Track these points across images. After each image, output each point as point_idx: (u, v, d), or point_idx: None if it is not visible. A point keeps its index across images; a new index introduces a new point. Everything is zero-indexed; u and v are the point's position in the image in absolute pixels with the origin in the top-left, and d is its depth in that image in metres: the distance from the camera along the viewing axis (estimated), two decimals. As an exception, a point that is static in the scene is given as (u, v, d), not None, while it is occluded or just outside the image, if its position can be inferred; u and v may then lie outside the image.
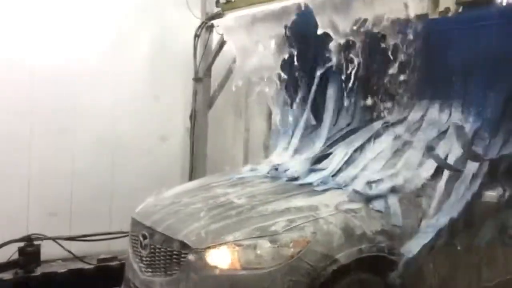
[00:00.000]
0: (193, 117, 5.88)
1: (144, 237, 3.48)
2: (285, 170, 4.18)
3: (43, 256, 5.02)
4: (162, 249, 3.34)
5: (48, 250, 5.08)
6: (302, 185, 3.85)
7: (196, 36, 5.86)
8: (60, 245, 5.19)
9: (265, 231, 3.17)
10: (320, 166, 4.12)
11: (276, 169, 4.24)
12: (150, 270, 3.41)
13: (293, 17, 4.58)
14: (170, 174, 5.69)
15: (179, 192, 3.96)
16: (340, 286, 3.21)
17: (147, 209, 3.79)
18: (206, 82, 5.92)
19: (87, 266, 5.09)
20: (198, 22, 5.85)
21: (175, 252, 3.27)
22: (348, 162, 4.04)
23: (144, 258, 3.46)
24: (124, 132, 5.62)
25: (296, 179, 3.98)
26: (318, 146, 4.35)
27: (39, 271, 4.95)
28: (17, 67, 5.05)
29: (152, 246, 3.42)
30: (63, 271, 5.06)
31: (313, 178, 3.91)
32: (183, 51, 5.89)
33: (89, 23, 5.43)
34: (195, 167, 5.80)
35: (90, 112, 5.44)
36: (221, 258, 3.15)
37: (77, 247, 5.22)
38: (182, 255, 3.23)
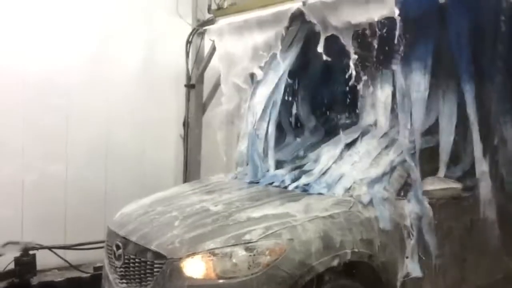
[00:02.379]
0: (186, 123, 5.85)
1: (118, 247, 3.43)
2: (266, 175, 4.11)
3: (38, 266, 5.05)
4: (136, 260, 3.29)
5: (43, 259, 5.10)
6: (280, 191, 3.78)
7: (188, 42, 5.85)
8: (56, 254, 5.20)
9: (241, 239, 3.11)
10: (304, 169, 4.05)
11: (256, 174, 4.16)
12: (124, 281, 3.36)
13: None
14: (164, 180, 5.66)
15: (155, 200, 3.90)
16: (319, 293, 3.15)
17: (122, 218, 3.74)
18: (199, 88, 5.90)
19: (84, 275, 5.08)
20: (189, 29, 5.84)
21: (149, 262, 3.22)
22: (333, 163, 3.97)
23: (118, 269, 3.41)
24: (116, 139, 5.63)
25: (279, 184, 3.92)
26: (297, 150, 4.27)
27: (35, 280, 4.97)
28: (8, 73, 5.09)
29: (126, 257, 3.37)
30: (60, 280, 5.06)
31: (296, 182, 3.84)
32: (175, 57, 5.88)
33: (80, 30, 5.46)
34: (189, 173, 5.76)
35: (82, 118, 5.45)
36: (196, 268, 3.10)
37: (72, 256, 5.23)
38: (156, 265, 3.17)
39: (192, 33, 5.81)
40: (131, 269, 3.32)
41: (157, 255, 3.18)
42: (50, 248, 5.21)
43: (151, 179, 5.63)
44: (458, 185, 3.60)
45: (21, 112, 5.13)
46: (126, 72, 5.71)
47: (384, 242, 3.37)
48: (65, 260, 5.20)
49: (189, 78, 5.87)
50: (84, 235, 5.16)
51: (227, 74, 4.76)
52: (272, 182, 3.96)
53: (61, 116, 5.34)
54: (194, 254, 3.10)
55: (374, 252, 3.32)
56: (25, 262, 4.99)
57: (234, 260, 3.06)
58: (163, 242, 3.21)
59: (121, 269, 3.39)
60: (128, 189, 5.47)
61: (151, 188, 4.97)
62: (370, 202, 3.45)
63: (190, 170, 5.81)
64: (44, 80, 5.22)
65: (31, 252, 5.04)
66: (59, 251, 5.21)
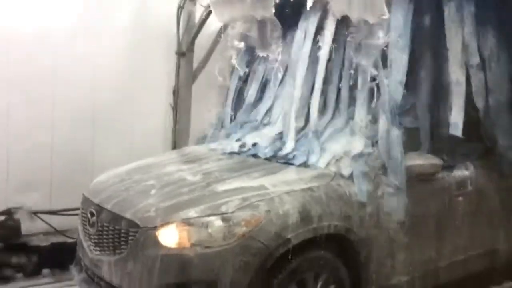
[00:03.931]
0: (176, 92, 5.74)
1: (92, 214, 3.40)
2: (254, 145, 4.04)
3: (23, 230, 5.05)
4: (110, 227, 3.26)
5: (28, 224, 5.10)
6: (260, 162, 3.73)
7: (180, 8, 5.68)
8: (41, 219, 5.21)
9: (217, 209, 3.08)
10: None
11: (243, 145, 4.09)
12: (98, 248, 3.33)
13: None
14: (152, 149, 5.52)
15: (132, 169, 3.85)
16: (293, 265, 3.13)
17: (97, 185, 3.71)
18: (190, 56, 5.75)
19: (69, 240, 5.07)
20: (181, -6, 5.69)
21: (123, 231, 3.19)
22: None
23: (92, 237, 3.39)
24: (104, 104, 5.50)
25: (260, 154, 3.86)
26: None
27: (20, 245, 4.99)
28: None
29: (100, 224, 3.33)
30: (46, 245, 5.09)
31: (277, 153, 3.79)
32: (166, 24, 5.72)
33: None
34: (178, 142, 5.68)
35: (69, 84, 5.32)
36: (170, 237, 3.06)
37: (57, 221, 5.22)
38: (131, 234, 3.14)
39: (183, -1, 5.65)
40: (105, 237, 3.28)
41: (131, 224, 3.14)
42: (35, 213, 5.22)
43: (139, 147, 5.52)
44: (438, 161, 3.54)
45: (6, 76, 5.01)
46: (115, 38, 5.56)
47: (362, 217, 3.33)
48: (50, 225, 5.20)
49: (179, 45, 5.73)
50: (70, 201, 5.10)
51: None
52: (255, 154, 3.89)
53: (47, 81, 5.22)
54: (169, 223, 3.06)
55: (352, 226, 3.29)
56: (10, 226, 5.02)
57: (209, 230, 3.03)
58: (138, 210, 3.18)
59: (95, 236, 3.36)
60: (115, 156, 5.35)
61: (139, 156, 4.87)
62: (351, 176, 3.39)
63: (179, 139, 5.71)
64: (30, 44, 5.09)
65: (16, 216, 5.06)
66: (44, 216, 5.23)
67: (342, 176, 3.42)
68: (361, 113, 3.66)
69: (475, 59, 3.74)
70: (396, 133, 3.46)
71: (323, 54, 3.90)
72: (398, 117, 3.51)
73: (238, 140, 4.20)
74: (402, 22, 3.56)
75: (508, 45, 3.95)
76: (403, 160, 3.43)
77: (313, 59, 3.96)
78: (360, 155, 3.49)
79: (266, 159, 3.79)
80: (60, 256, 4.95)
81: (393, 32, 3.57)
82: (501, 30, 3.90)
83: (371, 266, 3.39)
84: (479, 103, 3.81)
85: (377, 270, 3.42)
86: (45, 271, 4.97)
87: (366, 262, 3.37)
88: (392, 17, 3.56)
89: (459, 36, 3.68)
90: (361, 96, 3.66)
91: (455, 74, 3.67)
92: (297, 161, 3.62)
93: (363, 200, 3.36)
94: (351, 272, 3.33)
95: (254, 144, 4.02)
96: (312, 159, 3.60)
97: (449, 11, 3.67)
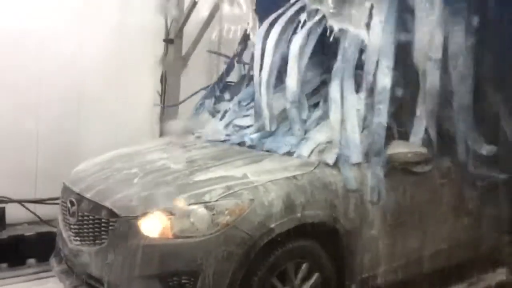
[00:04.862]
0: (164, 80, 5.67)
1: (72, 204, 3.33)
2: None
3: (7, 220, 4.98)
4: (90, 217, 3.19)
5: (13, 213, 5.02)
6: (244, 150, 3.67)
7: (168, -6, 5.61)
8: (26, 208, 5.14)
9: (200, 198, 3.01)
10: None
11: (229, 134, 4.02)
12: (78, 238, 3.26)
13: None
14: (139, 138, 5.45)
15: (114, 157, 3.78)
16: (278, 254, 3.09)
17: (78, 174, 3.64)
18: (178, 44, 5.68)
19: (54, 229, 4.97)
20: (169, -20, 5.61)
21: (104, 220, 3.12)
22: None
23: (72, 226, 3.32)
24: (90, 92, 5.43)
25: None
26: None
27: (5, 234, 4.92)
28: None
29: (80, 214, 3.26)
30: (31, 234, 5.02)
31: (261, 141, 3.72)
32: (153, 10, 5.63)
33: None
34: (165, 132, 5.60)
35: (55, 71, 5.24)
36: (152, 227, 3.00)
37: (43, 210, 5.15)
38: (111, 223, 3.08)
39: (171, -15, 5.57)
40: (85, 227, 3.22)
41: (112, 213, 3.08)
42: (20, 202, 5.14)
43: (125, 136, 5.42)
44: (423, 150, 3.48)
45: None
46: (101, 25, 5.47)
47: (347, 205, 3.28)
48: (36, 215, 5.14)
49: (167, 32, 5.66)
50: (55, 190, 4.97)
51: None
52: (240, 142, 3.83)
53: (33, 68, 5.13)
54: (150, 212, 2.99)
55: (336, 214, 3.24)
56: (-6, 216, 4.95)
57: (192, 220, 2.97)
58: (119, 199, 3.11)
59: (75, 226, 3.29)
60: (101, 145, 5.21)
61: (125, 144, 4.82)
62: (335, 164, 3.34)
63: (166, 127, 5.64)
64: (15, 31, 5.00)
65: (0, 205, 4.98)
66: (29, 205, 5.16)
67: (326, 164, 3.36)
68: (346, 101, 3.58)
69: (437, 53, 3.51)
70: (380, 120, 3.40)
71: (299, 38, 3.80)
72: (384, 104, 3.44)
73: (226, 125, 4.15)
74: (387, 6, 3.47)
75: (481, 46, 3.68)
76: (384, 148, 3.39)
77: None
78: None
79: (250, 147, 3.73)
80: (45, 246, 4.88)
81: (378, 17, 3.49)
82: (474, 26, 3.63)
83: (356, 255, 3.35)
84: (428, 103, 3.55)
85: (362, 259, 3.38)
86: (30, 261, 4.90)
87: (351, 251, 3.32)
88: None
89: (427, 26, 3.49)
90: (347, 84, 3.58)
91: (420, 67, 3.54)
92: (280, 150, 3.56)
93: (352, 188, 3.31)
94: (335, 261, 3.29)
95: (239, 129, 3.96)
96: (296, 148, 3.54)
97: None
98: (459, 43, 3.57)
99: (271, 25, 4.04)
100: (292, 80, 3.71)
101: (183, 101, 5.38)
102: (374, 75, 3.48)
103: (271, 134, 3.76)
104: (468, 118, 3.68)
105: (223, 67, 5.19)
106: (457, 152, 3.72)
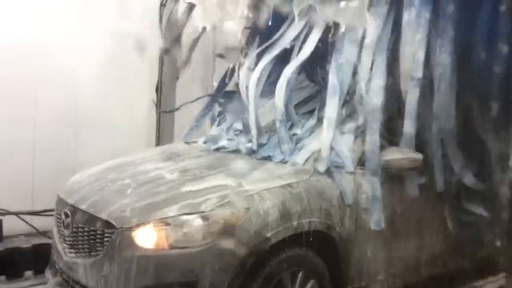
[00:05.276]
0: (159, 89, 5.66)
1: (67, 215, 3.30)
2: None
3: (4, 231, 4.95)
4: (85, 229, 3.16)
5: (9, 225, 4.99)
6: (239, 158, 3.66)
7: (162, 5, 5.59)
8: (23, 220, 5.11)
9: (195, 208, 2.98)
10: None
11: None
12: (73, 251, 3.24)
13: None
14: (135, 147, 5.44)
15: (108, 168, 3.76)
16: (273, 264, 3.06)
17: (72, 185, 3.61)
18: (173, 53, 5.66)
19: (51, 241, 4.96)
20: (163, -9, 5.61)
21: (98, 232, 3.09)
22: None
23: (67, 238, 3.29)
24: (86, 104, 5.41)
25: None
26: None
27: (2, 246, 4.89)
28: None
29: (74, 225, 3.23)
30: (27, 246, 4.98)
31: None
32: (148, 21, 5.62)
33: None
34: (162, 140, 5.60)
35: (51, 82, 5.22)
36: (147, 238, 2.97)
37: (39, 222, 5.11)
38: (106, 235, 3.05)
39: (166, -4, 5.57)
40: (80, 238, 3.19)
41: (107, 224, 3.05)
42: (17, 214, 5.12)
43: (122, 146, 5.40)
44: (418, 156, 3.46)
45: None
46: (96, 35, 5.46)
47: (343, 212, 3.26)
48: (32, 226, 5.10)
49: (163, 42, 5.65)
50: (52, 201, 4.95)
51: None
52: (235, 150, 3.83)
53: (29, 80, 5.12)
54: (145, 223, 2.97)
55: (332, 222, 3.23)
56: (-9, 228, 4.92)
57: (187, 230, 2.95)
58: (113, 210, 3.08)
59: (70, 238, 3.26)
60: (98, 155, 5.24)
61: (122, 155, 4.84)
62: (328, 171, 3.33)
63: (163, 137, 5.64)
64: (12, 41, 4.98)
65: (-3, 218, 4.96)
66: (26, 217, 5.13)
67: (319, 172, 3.35)
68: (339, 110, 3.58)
69: (418, 72, 3.45)
70: (373, 138, 3.40)
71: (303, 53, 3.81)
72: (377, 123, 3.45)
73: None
74: (380, 28, 3.48)
75: (466, 69, 3.60)
76: (379, 155, 3.39)
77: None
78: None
79: (245, 155, 3.72)
80: (42, 257, 4.86)
81: (370, 37, 3.49)
82: (460, 48, 3.56)
83: (353, 263, 3.33)
84: (408, 126, 3.48)
85: (360, 267, 3.36)
86: (27, 273, 4.87)
87: (348, 259, 3.30)
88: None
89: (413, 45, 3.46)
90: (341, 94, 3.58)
91: (404, 86, 3.51)
92: (275, 158, 3.55)
93: (349, 203, 3.29)
94: (332, 269, 3.27)
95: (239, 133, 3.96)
96: (290, 156, 3.53)
97: (408, 17, 3.49)
98: (444, 64, 3.52)
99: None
100: (280, 100, 3.72)
101: (179, 107, 5.35)
102: (367, 93, 3.49)
103: (266, 142, 3.75)
104: (452, 142, 3.63)
105: (218, 75, 5.19)
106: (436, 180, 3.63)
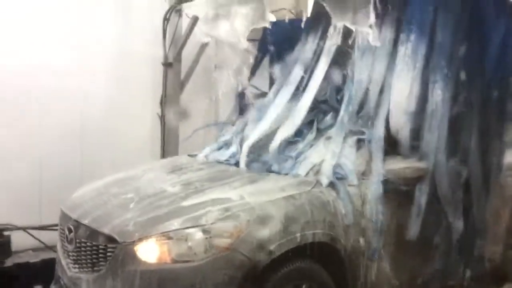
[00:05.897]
0: (163, 102, 5.69)
1: (70, 230, 3.30)
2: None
3: (13, 247, 4.97)
4: (88, 244, 3.17)
5: (18, 240, 5.01)
6: (241, 170, 3.65)
7: (166, 20, 5.63)
8: (31, 234, 5.12)
9: (197, 221, 2.98)
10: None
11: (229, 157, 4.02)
12: (77, 266, 3.24)
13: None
14: (140, 160, 5.41)
15: (110, 182, 3.76)
16: (277, 277, 3.03)
17: (75, 200, 3.62)
18: (176, 67, 5.72)
19: (57, 256, 5.01)
20: (166, 6, 5.64)
21: (101, 247, 3.09)
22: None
23: (70, 253, 3.29)
24: (91, 118, 5.46)
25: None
26: None
27: (10, 262, 4.91)
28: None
29: (78, 240, 3.24)
30: (36, 261, 4.99)
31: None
32: (152, 35, 5.68)
33: (54, 6, 5.23)
34: (167, 153, 5.61)
35: (56, 97, 5.26)
36: (150, 252, 2.97)
37: (47, 236, 5.12)
38: (109, 250, 3.05)
39: (169, 10, 5.60)
40: (83, 253, 3.19)
41: (110, 239, 3.05)
42: (25, 229, 5.14)
43: (127, 158, 5.44)
44: (422, 165, 3.43)
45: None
46: (101, 50, 5.51)
47: (347, 224, 3.23)
48: (40, 241, 5.11)
49: (166, 56, 5.68)
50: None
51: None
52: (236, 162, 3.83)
53: (33, 95, 5.16)
54: (147, 237, 2.96)
55: (336, 234, 3.20)
56: (0, 244, 4.94)
57: (190, 243, 2.93)
58: (116, 225, 3.08)
59: (73, 253, 3.26)
60: (104, 169, 5.29)
61: (128, 167, 4.86)
62: (331, 184, 3.31)
63: (167, 149, 5.66)
64: (19, 59, 5.03)
65: (5, 233, 4.98)
66: (34, 232, 5.14)
67: (321, 184, 3.33)
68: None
69: (411, 106, 3.50)
70: (377, 169, 3.39)
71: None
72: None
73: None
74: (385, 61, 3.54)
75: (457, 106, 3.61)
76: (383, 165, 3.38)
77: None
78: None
79: (247, 167, 3.72)
80: (50, 272, 4.87)
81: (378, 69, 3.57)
82: (453, 84, 3.55)
83: (359, 275, 3.29)
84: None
85: (364, 278, 3.32)
86: (36, 287, 4.90)
87: (354, 271, 3.27)
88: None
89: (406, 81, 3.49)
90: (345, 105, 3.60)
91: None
92: (277, 170, 3.54)
93: (349, 223, 3.26)
94: (337, 281, 3.23)
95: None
96: (293, 168, 3.53)
97: (404, 52, 3.52)
98: (438, 102, 3.51)
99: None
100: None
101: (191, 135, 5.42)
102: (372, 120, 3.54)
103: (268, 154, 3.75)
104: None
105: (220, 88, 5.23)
106: None
